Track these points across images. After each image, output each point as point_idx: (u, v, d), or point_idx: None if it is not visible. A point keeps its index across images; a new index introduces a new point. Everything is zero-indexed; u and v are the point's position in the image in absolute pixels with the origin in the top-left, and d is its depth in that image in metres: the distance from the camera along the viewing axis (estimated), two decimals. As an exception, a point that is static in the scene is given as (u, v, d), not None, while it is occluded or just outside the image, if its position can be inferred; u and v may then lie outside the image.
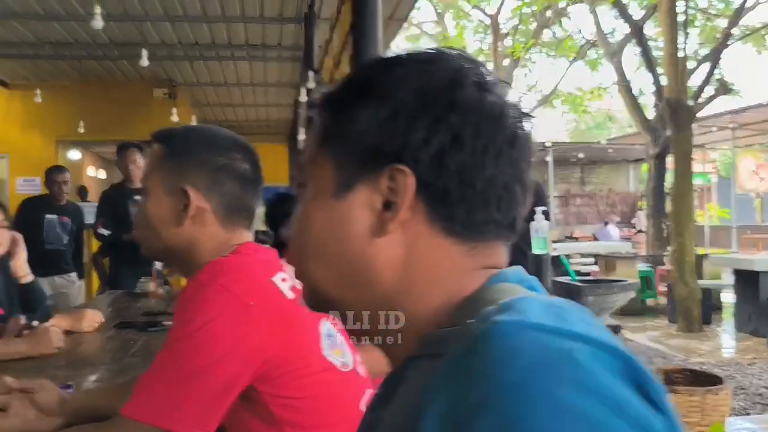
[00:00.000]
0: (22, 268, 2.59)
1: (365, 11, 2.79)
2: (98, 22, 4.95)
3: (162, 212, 1.19)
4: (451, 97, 0.54)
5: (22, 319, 2.16)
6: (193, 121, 10.04)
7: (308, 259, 0.61)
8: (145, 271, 4.31)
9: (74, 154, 11.29)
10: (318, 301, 0.62)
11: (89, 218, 6.58)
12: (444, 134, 0.54)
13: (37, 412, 1.21)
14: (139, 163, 4.52)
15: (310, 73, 6.61)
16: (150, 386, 0.99)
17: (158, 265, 4.91)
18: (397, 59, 0.59)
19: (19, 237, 2.53)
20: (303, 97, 7.60)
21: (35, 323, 2.16)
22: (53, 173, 5.12)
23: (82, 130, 8.84)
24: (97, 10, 4.92)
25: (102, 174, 15.74)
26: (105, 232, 4.46)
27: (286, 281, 1.13)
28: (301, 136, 9.83)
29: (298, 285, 1.16)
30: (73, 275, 5.13)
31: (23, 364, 1.94)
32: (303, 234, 0.61)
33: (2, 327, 2.18)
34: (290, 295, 1.11)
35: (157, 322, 2.58)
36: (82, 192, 11.21)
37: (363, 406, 1.12)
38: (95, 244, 6.32)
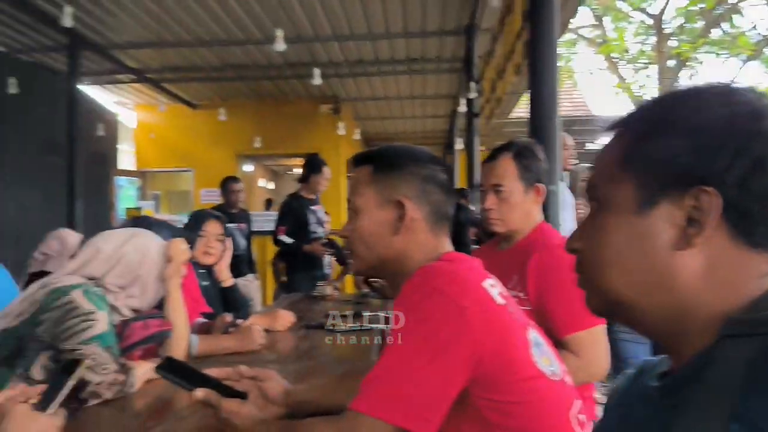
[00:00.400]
0: (224, 272, 2.87)
1: (541, 18, 2.78)
2: (280, 45, 5.34)
3: (376, 226, 1.26)
4: (753, 127, 0.62)
5: (228, 318, 2.39)
6: (357, 135, 10.48)
7: (606, 268, 0.68)
8: (320, 275, 4.58)
9: (248, 167, 12.21)
10: (607, 305, 0.70)
11: (264, 225, 7.11)
12: (747, 160, 0.60)
13: (264, 401, 1.34)
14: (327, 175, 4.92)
15: (472, 84, 6.65)
16: (376, 383, 1.05)
17: (328, 270, 5.21)
18: (695, 92, 0.67)
19: (229, 244, 2.81)
20: (462, 107, 7.66)
21: (239, 321, 2.38)
22: (229, 183, 5.57)
23: (258, 145, 9.53)
24: (279, 33, 5.32)
25: (271, 185, 16.89)
26: (287, 239, 4.77)
27: (494, 287, 1.17)
28: (458, 145, 9.89)
29: (505, 292, 1.21)
30: (251, 276, 5.55)
31: (231, 359, 2.15)
32: (600, 246, 0.69)
33: (211, 324, 2.43)
34: (500, 300, 1.14)
35: (340, 324, 2.74)
36: (269, 204, 12.20)
37: (572, 417, 1.13)
38: (271, 249, 6.81)
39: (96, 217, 8.52)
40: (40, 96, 7.50)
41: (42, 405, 1.14)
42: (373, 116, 11.76)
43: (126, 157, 10.50)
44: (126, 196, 10.06)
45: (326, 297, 3.91)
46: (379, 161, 1.31)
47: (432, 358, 1.03)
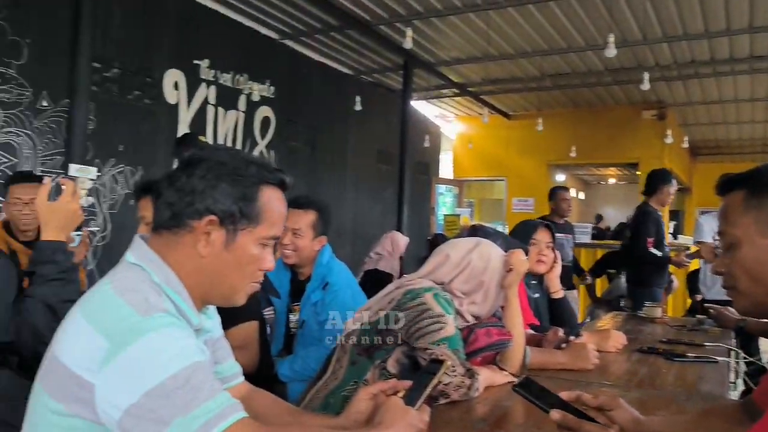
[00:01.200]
0: (555, 283, 2.82)
1: None
2: (611, 50, 5.14)
3: (764, 255, 1.10)
4: None
5: (561, 333, 2.34)
6: (685, 143, 9.61)
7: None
8: (651, 294, 4.27)
9: (560, 177, 12.05)
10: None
11: (580, 238, 6.90)
12: None
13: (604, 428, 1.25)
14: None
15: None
16: None
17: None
18: None
19: (557, 254, 2.77)
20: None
21: (572, 338, 2.31)
22: (560, 192, 5.48)
23: (573, 155, 9.33)
24: (611, 38, 5.12)
25: (581, 195, 16.42)
26: (656, 252, 4.55)
27: None
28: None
29: None
30: (574, 293, 5.42)
31: (563, 376, 2.10)
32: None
33: (541, 337, 2.40)
34: None
35: (681, 353, 2.50)
36: (598, 218, 12.06)
37: None
38: (585, 262, 6.59)
39: (419, 221, 9.23)
40: (378, 112, 8.37)
41: (409, 400, 1.22)
42: (703, 122, 10.66)
43: (445, 167, 11.16)
44: (444, 202, 10.68)
45: (655, 319, 3.61)
46: (755, 184, 1.14)
47: None
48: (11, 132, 4.29)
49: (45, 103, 4.47)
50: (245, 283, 1.20)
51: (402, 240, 5.57)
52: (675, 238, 5.28)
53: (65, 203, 1.72)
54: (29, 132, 4.39)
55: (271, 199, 1.18)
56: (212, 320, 1.24)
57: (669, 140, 8.65)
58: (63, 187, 1.74)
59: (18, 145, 4.33)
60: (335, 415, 1.32)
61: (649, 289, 4.59)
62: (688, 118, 10.36)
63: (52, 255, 1.67)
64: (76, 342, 1.02)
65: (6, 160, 4.25)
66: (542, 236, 2.75)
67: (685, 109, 9.74)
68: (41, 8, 4.40)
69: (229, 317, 2.07)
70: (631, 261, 4.89)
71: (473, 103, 9.72)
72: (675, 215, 11.74)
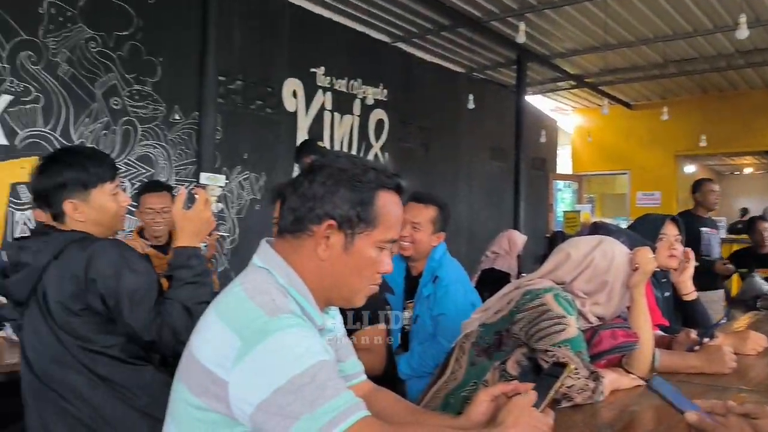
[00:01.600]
0: (687, 284, 2.66)
1: None
2: (743, 32, 4.79)
3: None
4: None
5: (694, 335, 2.21)
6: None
7: None
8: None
9: (689, 168, 11.35)
10: None
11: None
12: None
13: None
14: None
15: None
16: None
17: None
18: None
19: (690, 252, 2.61)
20: None
21: (706, 340, 2.18)
22: (708, 183, 5.18)
23: (703, 144, 8.76)
24: (742, 18, 4.77)
25: (715, 187, 15.36)
26: None
27: None
28: None
29: None
30: (720, 292, 5.10)
31: (695, 380, 1.98)
32: None
33: (672, 339, 2.28)
34: None
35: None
36: (743, 212, 11.45)
37: None
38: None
39: (535, 219, 9.03)
40: (491, 109, 8.27)
41: (534, 402, 1.20)
42: None
43: (563, 162, 10.84)
44: (563, 198, 10.38)
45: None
46: None
47: None
48: (148, 144, 4.64)
49: (177, 117, 4.80)
50: (364, 285, 1.23)
51: (520, 238, 5.47)
52: None
53: (199, 211, 1.84)
54: (164, 144, 4.74)
55: (388, 203, 1.21)
56: (334, 320, 1.28)
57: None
58: (196, 196, 1.87)
59: (154, 156, 4.68)
60: (455, 416, 1.32)
61: None
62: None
63: (187, 260, 1.80)
64: (210, 340, 1.10)
65: (144, 171, 4.61)
66: (670, 230, 2.61)
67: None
68: (171, 29, 4.73)
69: (357, 320, 2.14)
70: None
71: (591, 95, 9.37)
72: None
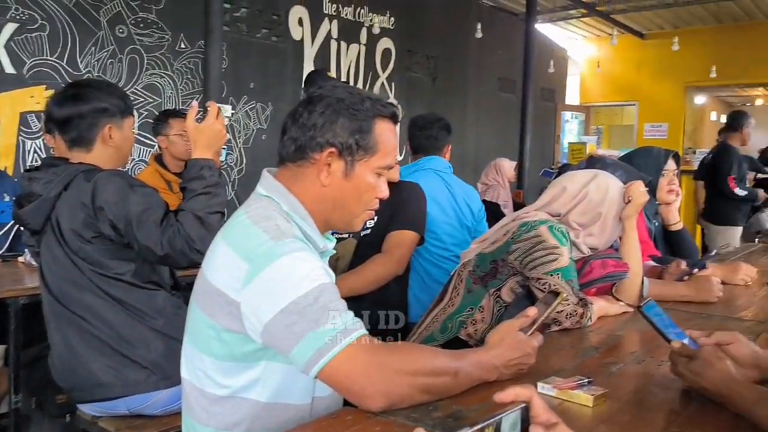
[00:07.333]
0: (674, 215, 2.75)
1: None
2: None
3: None
4: None
5: (684, 265, 2.30)
6: None
7: None
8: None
9: (699, 99, 11.21)
10: None
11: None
12: None
13: (732, 363, 1.26)
14: None
15: None
16: None
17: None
18: None
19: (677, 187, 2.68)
20: None
21: (695, 270, 2.27)
22: (750, 119, 5.23)
23: (713, 75, 8.63)
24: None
25: (723, 119, 15.21)
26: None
27: None
28: None
29: None
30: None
31: (683, 308, 2.07)
32: None
33: (663, 269, 2.37)
34: None
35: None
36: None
37: None
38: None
39: (542, 150, 9.02)
40: (500, 38, 8.13)
41: (524, 328, 1.30)
42: None
43: (571, 92, 10.71)
44: (570, 130, 10.32)
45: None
46: None
47: None
48: (155, 74, 4.65)
49: (183, 45, 4.78)
50: (362, 209, 1.31)
51: (508, 165, 5.43)
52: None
53: (211, 124, 1.89)
54: (170, 73, 4.74)
55: (385, 130, 1.28)
56: (332, 242, 1.36)
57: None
58: (209, 108, 1.91)
59: (161, 86, 4.69)
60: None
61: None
62: None
63: (199, 171, 1.85)
64: (221, 265, 1.18)
65: (152, 100, 4.63)
66: (671, 165, 2.67)
67: None
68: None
69: (395, 221, 2.27)
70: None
71: (603, 23, 9.16)
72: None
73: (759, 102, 15.62)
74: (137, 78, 4.55)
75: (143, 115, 4.52)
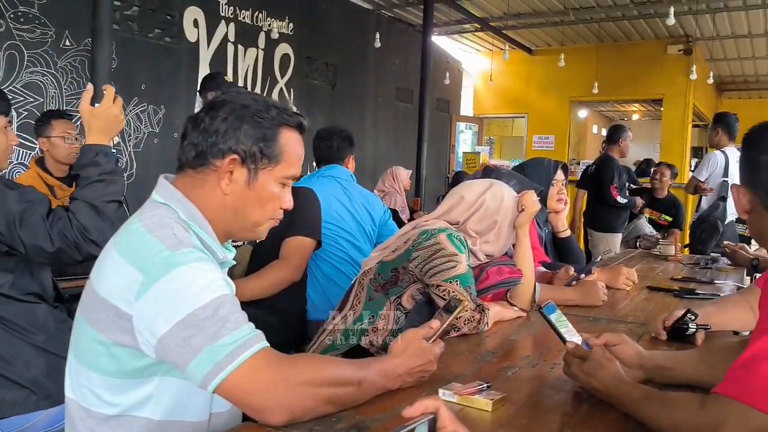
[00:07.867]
0: (563, 223, 2.90)
1: None
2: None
3: None
4: None
5: (572, 271, 2.42)
6: (711, 79, 9.40)
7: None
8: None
9: (582, 113, 11.90)
10: None
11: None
12: None
13: (620, 364, 1.33)
14: None
15: None
16: (749, 368, 0.93)
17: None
18: None
19: (564, 196, 2.83)
20: None
21: (582, 276, 2.39)
22: (628, 132, 5.64)
23: (596, 91, 9.19)
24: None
25: (603, 131, 16.21)
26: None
27: None
28: None
29: None
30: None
31: (572, 311, 2.18)
32: None
33: (553, 275, 2.48)
34: None
35: (691, 290, 2.57)
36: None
37: None
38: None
39: (438, 159, 9.24)
40: (398, 48, 8.27)
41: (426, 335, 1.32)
42: (730, 57, 10.37)
43: (465, 104, 11.05)
44: (464, 140, 10.64)
45: (669, 257, 3.68)
46: None
47: None
48: (36, 72, 4.36)
49: (68, 43, 4.52)
50: (265, 219, 1.27)
51: (403, 173, 5.54)
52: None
53: (106, 108, 1.78)
54: (53, 72, 4.46)
55: (290, 140, 1.25)
56: (232, 253, 1.32)
57: (694, 76, 8.45)
58: (104, 92, 1.80)
59: (43, 84, 4.40)
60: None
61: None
62: (714, 53, 10.08)
63: (94, 157, 1.74)
64: (112, 276, 1.11)
65: (33, 100, 4.34)
66: (560, 176, 2.81)
67: (713, 44, 9.47)
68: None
69: (291, 227, 2.26)
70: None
71: (495, 39, 9.54)
72: (697, 152, 11.63)
73: (635, 117, 16.78)
74: (16, 75, 4.25)
75: (23, 116, 4.23)
